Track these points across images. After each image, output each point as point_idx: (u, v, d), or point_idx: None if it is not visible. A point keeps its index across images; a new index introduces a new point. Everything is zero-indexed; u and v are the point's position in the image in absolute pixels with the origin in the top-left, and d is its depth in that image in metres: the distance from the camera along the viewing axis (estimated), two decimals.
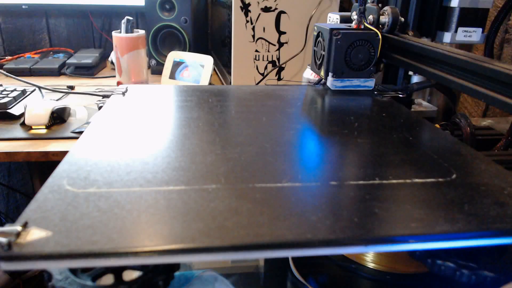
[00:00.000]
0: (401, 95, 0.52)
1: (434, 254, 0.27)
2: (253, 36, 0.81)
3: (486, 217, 0.25)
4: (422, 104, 0.57)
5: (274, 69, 0.84)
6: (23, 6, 1.09)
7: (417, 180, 0.30)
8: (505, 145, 0.47)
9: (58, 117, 0.65)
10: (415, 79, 0.57)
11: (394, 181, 0.29)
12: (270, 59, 0.83)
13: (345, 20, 0.61)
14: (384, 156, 0.34)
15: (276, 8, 0.79)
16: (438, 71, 0.44)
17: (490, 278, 0.25)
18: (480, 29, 0.53)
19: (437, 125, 0.48)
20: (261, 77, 0.83)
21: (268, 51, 0.82)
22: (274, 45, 0.82)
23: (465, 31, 0.52)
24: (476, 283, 0.26)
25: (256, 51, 0.82)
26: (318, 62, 0.58)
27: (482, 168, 0.32)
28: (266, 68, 0.83)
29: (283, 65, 0.84)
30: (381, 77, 0.61)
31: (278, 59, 0.83)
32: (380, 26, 0.55)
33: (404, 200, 0.27)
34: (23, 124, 0.63)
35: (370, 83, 0.56)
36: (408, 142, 0.37)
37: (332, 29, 0.53)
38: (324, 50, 0.55)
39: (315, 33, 0.58)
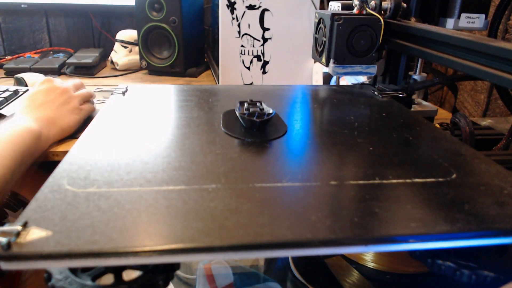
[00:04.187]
0: (401, 95, 0.51)
1: (434, 254, 0.27)
2: (239, 32, 0.86)
3: (486, 217, 0.25)
4: (422, 104, 0.57)
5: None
6: (22, 5, 1.09)
7: (417, 180, 0.30)
8: (505, 145, 0.47)
9: None
10: (415, 78, 0.57)
11: (394, 181, 0.29)
12: (255, 54, 0.88)
13: (346, 8, 0.61)
14: (384, 156, 0.34)
15: (260, 6, 0.85)
16: (441, 53, 0.44)
17: (490, 278, 0.25)
18: (483, 15, 0.53)
19: (437, 125, 0.48)
20: (247, 70, 0.89)
21: (253, 46, 0.88)
22: (259, 40, 0.87)
23: (468, 17, 0.52)
24: (476, 283, 0.26)
25: (242, 46, 0.87)
26: (319, 49, 0.57)
27: (482, 168, 0.32)
28: (251, 62, 0.89)
29: (267, 60, 0.89)
30: (381, 76, 0.61)
31: (263, 53, 0.89)
32: (382, 12, 0.55)
33: (404, 200, 0.27)
34: None
35: (372, 69, 0.55)
36: (408, 142, 0.37)
37: (333, 15, 0.52)
38: (325, 37, 0.54)
39: (316, 20, 0.58)
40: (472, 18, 0.52)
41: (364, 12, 0.54)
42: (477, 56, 0.39)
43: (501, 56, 0.36)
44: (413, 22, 0.52)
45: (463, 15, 0.52)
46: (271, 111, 0.39)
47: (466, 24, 0.53)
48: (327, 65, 0.56)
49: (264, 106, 0.41)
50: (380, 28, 0.53)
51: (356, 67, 0.55)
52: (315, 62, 0.93)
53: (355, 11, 0.55)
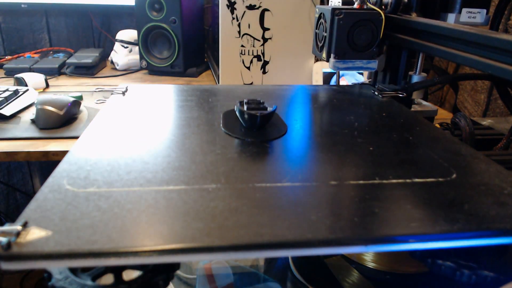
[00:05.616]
0: (401, 95, 0.51)
1: (434, 254, 0.27)
2: (239, 32, 0.86)
3: (486, 217, 0.25)
4: (422, 104, 0.57)
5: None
6: (22, 5, 1.09)
7: (417, 180, 0.30)
8: (505, 145, 0.47)
9: None
10: (415, 78, 0.57)
11: (394, 181, 0.29)
12: (255, 54, 0.89)
13: (346, 4, 0.61)
14: (384, 156, 0.34)
15: (260, 6, 0.85)
16: (443, 47, 0.44)
17: (490, 278, 0.25)
18: (484, 10, 0.53)
19: (437, 125, 0.48)
20: (247, 70, 0.89)
21: (253, 46, 0.88)
22: (259, 40, 0.88)
23: (469, 12, 0.52)
24: (476, 283, 0.26)
25: (242, 46, 0.87)
26: (320, 45, 0.57)
27: (482, 168, 0.32)
28: (251, 62, 0.89)
29: (267, 60, 0.89)
30: (382, 72, 0.61)
31: (263, 53, 0.89)
32: (383, 6, 0.55)
33: (404, 200, 0.27)
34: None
35: (373, 64, 0.55)
36: (408, 142, 0.37)
37: (334, 9, 0.52)
38: (326, 32, 0.54)
39: (317, 15, 0.58)
40: (473, 13, 0.52)
41: (365, 7, 0.54)
42: (478, 48, 0.39)
43: (503, 48, 0.36)
44: (414, 17, 0.52)
45: (464, 10, 0.52)
46: (271, 108, 0.39)
47: (467, 19, 0.53)
48: (327, 60, 0.56)
49: (264, 103, 0.41)
50: (381, 22, 0.53)
51: (357, 62, 0.55)
52: (315, 61, 0.93)
53: (355, 5, 0.55)
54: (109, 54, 1.12)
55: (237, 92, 0.54)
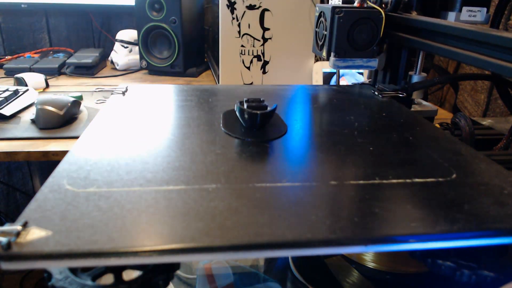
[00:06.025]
0: (401, 95, 0.51)
1: (434, 254, 0.27)
2: (239, 32, 0.86)
3: (486, 217, 0.25)
4: (422, 104, 0.57)
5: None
6: (22, 5, 1.09)
7: (417, 180, 0.30)
8: (505, 145, 0.47)
9: None
10: (415, 78, 0.57)
11: (394, 181, 0.29)
12: (255, 54, 0.89)
13: (347, 2, 0.61)
14: (384, 156, 0.34)
15: (260, 6, 0.85)
16: (443, 45, 0.44)
17: (490, 278, 0.25)
18: (485, 9, 0.53)
19: (437, 125, 0.48)
20: (247, 70, 0.89)
21: (253, 46, 0.88)
22: (259, 40, 0.88)
23: (469, 10, 0.52)
24: (476, 283, 0.26)
25: (242, 46, 0.87)
26: (320, 43, 0.57)
27: (482, 168, 0.32)
28: (251, 62, 0.89)
29: (267, 60, 0.90)
30: (382, 71, 0.61)
31: (263, 53, 0.89)
32: (383, 5, 0.55)
33: (404, 200, 0.27)
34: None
35: (373, 63, 0.55)
36: (408, 142, 0.37)
37: (334, 7, 0.52)
38: (326, 30, 0.54)
39: (317, 14, 0.58)
40: (473, 11, 0.52)
41: (365, 5, 0.54)
42: (479, 46, 0.39)
43: (504, 46, 0.36)
44: (414, 15, 0.52)
45: (464, 8, 0.52)
46: (271, 107, 0.39)
47: (468, 17, 0.53)
48: (327, 59, 0.56)
49: (264, 101, 0.41)
50: (381, 21, 0.53)
51: (357, 60, 0.55)
52: (315, 61, 0.93)
53: (356, 4, 0.55)
54: (109, 54, 1.12)
55: (237, 92, 0.54)
